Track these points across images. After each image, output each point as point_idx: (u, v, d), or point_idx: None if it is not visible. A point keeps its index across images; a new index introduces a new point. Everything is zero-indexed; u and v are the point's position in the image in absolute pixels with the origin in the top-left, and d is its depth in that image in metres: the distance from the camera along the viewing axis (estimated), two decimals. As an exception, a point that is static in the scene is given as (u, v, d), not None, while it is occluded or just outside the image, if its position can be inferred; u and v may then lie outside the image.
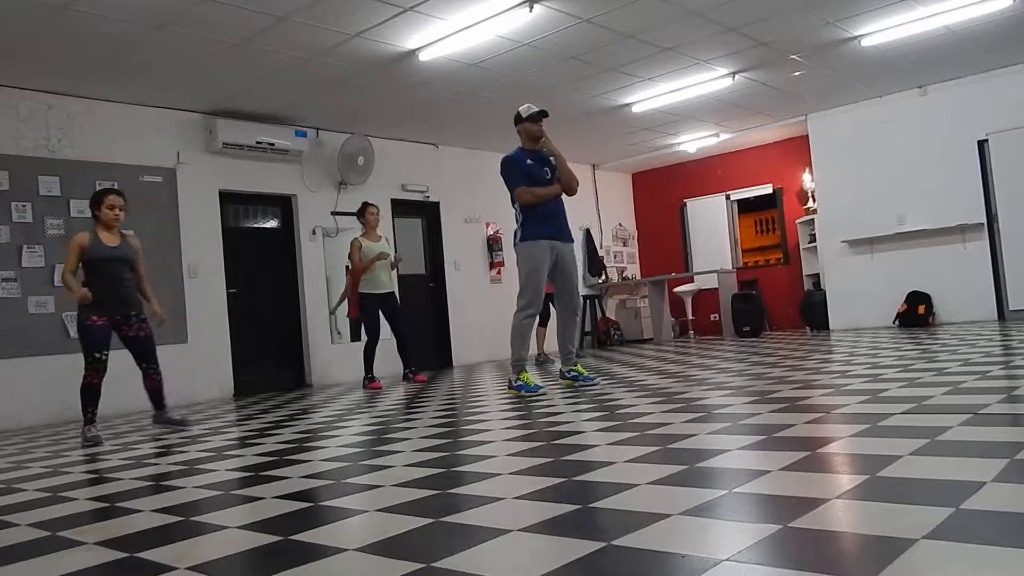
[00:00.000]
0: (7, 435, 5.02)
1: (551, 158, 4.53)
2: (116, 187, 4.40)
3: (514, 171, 4.42)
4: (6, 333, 5.51)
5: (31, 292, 5.67)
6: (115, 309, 4.08)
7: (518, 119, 4.52)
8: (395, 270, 6.42)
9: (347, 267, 7.45)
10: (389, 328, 6.29)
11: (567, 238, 4.52)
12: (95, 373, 4.01)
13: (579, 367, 4.55)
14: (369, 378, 6.09)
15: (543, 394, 4.24)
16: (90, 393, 4.03)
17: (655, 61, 6.48)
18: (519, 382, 4.32)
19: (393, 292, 6.27)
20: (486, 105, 7.16)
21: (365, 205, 6.28)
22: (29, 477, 3.01)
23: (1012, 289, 7.64)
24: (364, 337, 6.28)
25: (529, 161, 4.43)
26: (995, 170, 7.68)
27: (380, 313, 6.15)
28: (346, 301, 6.49)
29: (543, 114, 4.49)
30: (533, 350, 7.28)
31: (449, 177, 8.67)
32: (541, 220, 4.38)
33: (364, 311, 6.12)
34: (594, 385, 4.39)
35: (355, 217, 6.41)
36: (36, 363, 5.62)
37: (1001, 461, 1.73)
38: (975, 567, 1.16)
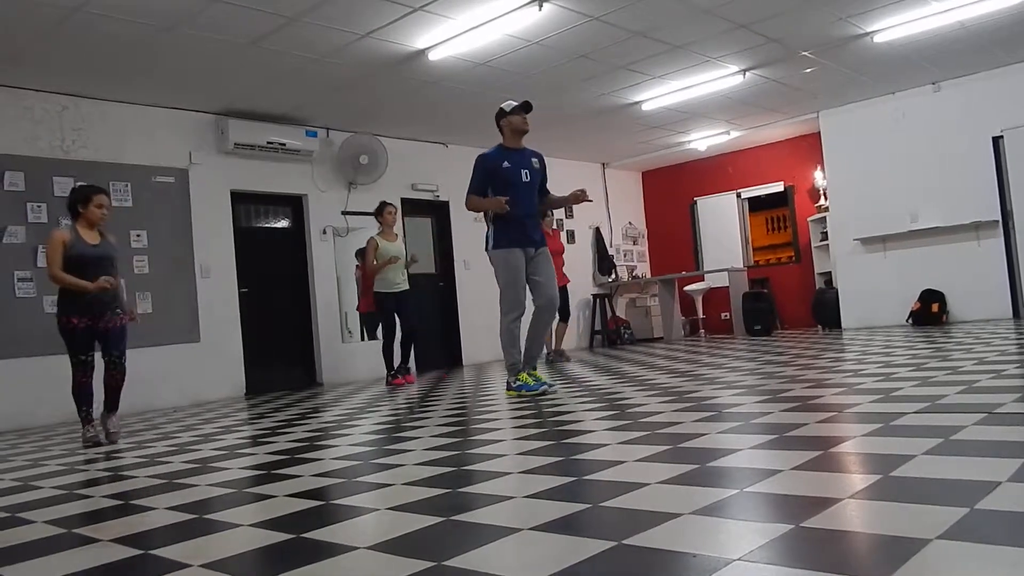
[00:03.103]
0: (24, 433, 5.08)
1: (534, 159, 4.39)
2: (98, 185, 4.34)
3: (479, 172, 4.29)
4: (23, 332, 5.57)
5: (47, 292, 5.70)
6: (95, 308, 3.92)
7: (500, 115, 4.38)
8: (408, 268, 6.51)
9: (356, 264, 7.56)
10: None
11: (538, 244, 4.38)
12: (82, 374, 3.95)
13: (536, 373, 4.39)
14: (392, 375, 6.25)
15: (544, 392, 4.22)
16: (81, 394, 3.96)
17: (665, 59, 6.46)
18: (518, 383, 4.27)
19: (407, 290, 6.39)
20: (496, 104, 7.13)
21: (383, 204, 6.37)
22: (45, 475, 3.05)
23: (1027, 287, 7.57)
24: (380, 336, 6.47)
25: (506, 164, 4.26)
26: (1010, 167, 7.60)
27: (396, 311, 6.31)
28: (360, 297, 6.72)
29: (527, 107, 4.35)
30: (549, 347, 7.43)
31: (459, 176, 8.55)
32: (514, 227, 4.27)
33: (381, 310, 6.30)
34: (540, 393, 4.22)
35: (373, 216, 6.48)
36: (52, 361, 5.64)
37: (1016, 461, 1.71)
38: (990, 567, 1.15)
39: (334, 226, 7.61)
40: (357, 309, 7.53)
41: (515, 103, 4.38)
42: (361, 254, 7.47)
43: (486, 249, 4.44)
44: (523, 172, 4.32)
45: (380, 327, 6.48)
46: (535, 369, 4.45)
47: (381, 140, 7.76)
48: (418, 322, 6.56)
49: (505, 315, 4.33)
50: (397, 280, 6.27)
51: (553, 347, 7.40)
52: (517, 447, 2.59)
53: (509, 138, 4.39)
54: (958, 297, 7.87)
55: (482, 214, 4.44)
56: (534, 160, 4.41)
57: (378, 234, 6.27)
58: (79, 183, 4.41)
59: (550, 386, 4.33)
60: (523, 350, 4.41)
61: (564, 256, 7.73)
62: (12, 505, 2.43)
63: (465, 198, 4.39)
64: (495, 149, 4.38)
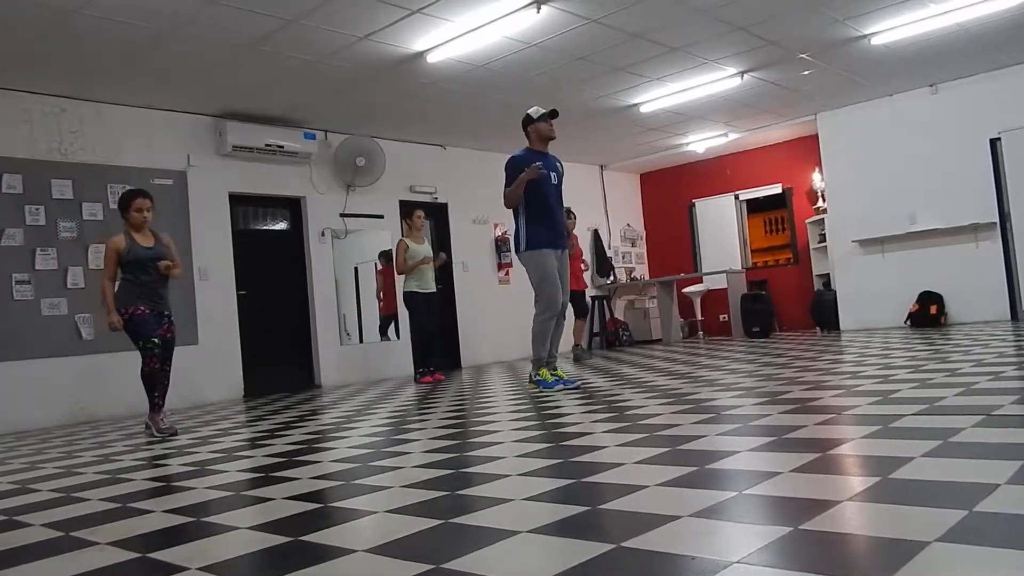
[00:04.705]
0: (21, 436, 5.06)
1: (558, 164, 4.58)
2: (142, 189, 4.45)
3: (513, 172, 4.43)
4: (20, 335, 5.56)
5: (44, 294, 5.72)
6: (155, 304, 4.20)
7: (528, 121, 4.52)
8: (438, 270, 6.83)
9: (376, 265, 7.73)
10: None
11: (564, 246, 4.59)
12: (152, 359, 4.11)
13: (559, 371, 4.62)
14: (421, 372, 6.51)
15: (559, 390, 4.36)
16: (152, 378, 4.14)
17: (663, 61, 6.46)
18: (538, 377, 4.49)
19: (435, 292, 6.67)
20: (494, 106, 7.16)
21: (412, 209, 6.77)
22: (43, 478, 3.04)
23: (1025, 289, 7.57)
24: (411, 333, 6.79)
25: (539, 166, 4.42)
26: (1007, 168, 7.61)
27: (426, 311, 6.55)
28: (381, 296, 6.98)
29: (554, 114, 4.51)
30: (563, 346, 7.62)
31: (457, 178, 8.68)
32: (547, 227, 4.43)
33: (412, 308, 6.52)
34: (575, 389, 4.40)
35: (402, 220, 6.81)
36: (49, 364, 5.67)
37: (1015, 463, 1.71)
38: (989, 570, 1.15)
39: (332, 228, 7.60)
40: (380, 312, 7.83)
41: (543, 110, 4.53)
42: (386, 256, 7.65)
43: (517, 251, 4.56)
44: (552, 175, 4.49)
45: (410, 325, 6.69)
46: (557, 370, 4.62)
47: (378, 142, 7.76)
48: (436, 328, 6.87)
49: (540, 312, 4.46)
50: (430, 281, 6.55)
51: (573, 343, 7.73)
52: (516, 449, 2.59)
53: (536, 143, 4.54)
54: (956, 299, 7.88)
55: (511, 211, 4.55)
56: (558, 165, 4.60)
57: (405, 237, 6.57)
58: (127, 188, 4.56)
59: (572, 383, 4.47)
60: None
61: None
62: (10, 508, 2.42)
63: (503, 200, 4.50)
64: (525, 151, 4.52)
